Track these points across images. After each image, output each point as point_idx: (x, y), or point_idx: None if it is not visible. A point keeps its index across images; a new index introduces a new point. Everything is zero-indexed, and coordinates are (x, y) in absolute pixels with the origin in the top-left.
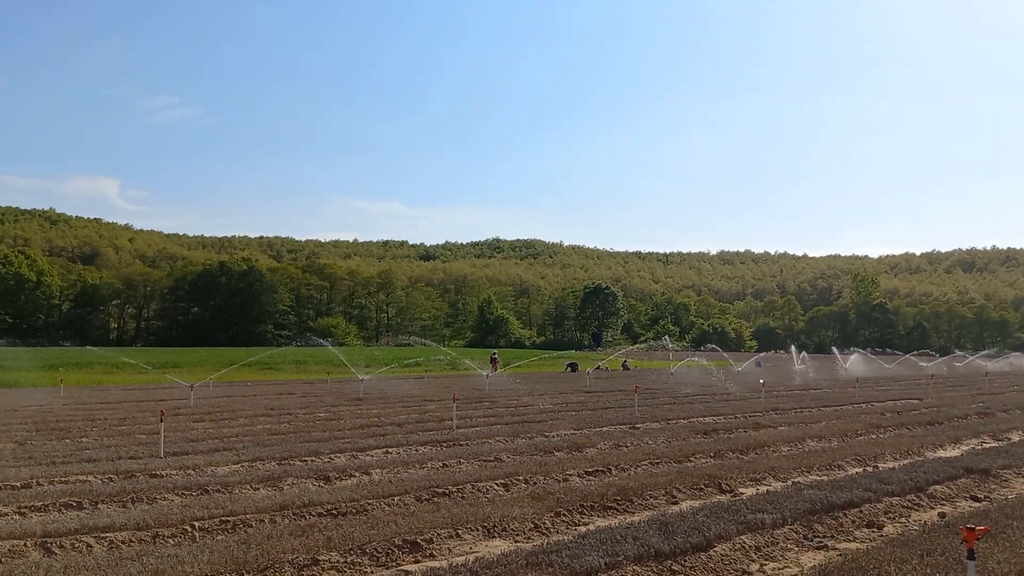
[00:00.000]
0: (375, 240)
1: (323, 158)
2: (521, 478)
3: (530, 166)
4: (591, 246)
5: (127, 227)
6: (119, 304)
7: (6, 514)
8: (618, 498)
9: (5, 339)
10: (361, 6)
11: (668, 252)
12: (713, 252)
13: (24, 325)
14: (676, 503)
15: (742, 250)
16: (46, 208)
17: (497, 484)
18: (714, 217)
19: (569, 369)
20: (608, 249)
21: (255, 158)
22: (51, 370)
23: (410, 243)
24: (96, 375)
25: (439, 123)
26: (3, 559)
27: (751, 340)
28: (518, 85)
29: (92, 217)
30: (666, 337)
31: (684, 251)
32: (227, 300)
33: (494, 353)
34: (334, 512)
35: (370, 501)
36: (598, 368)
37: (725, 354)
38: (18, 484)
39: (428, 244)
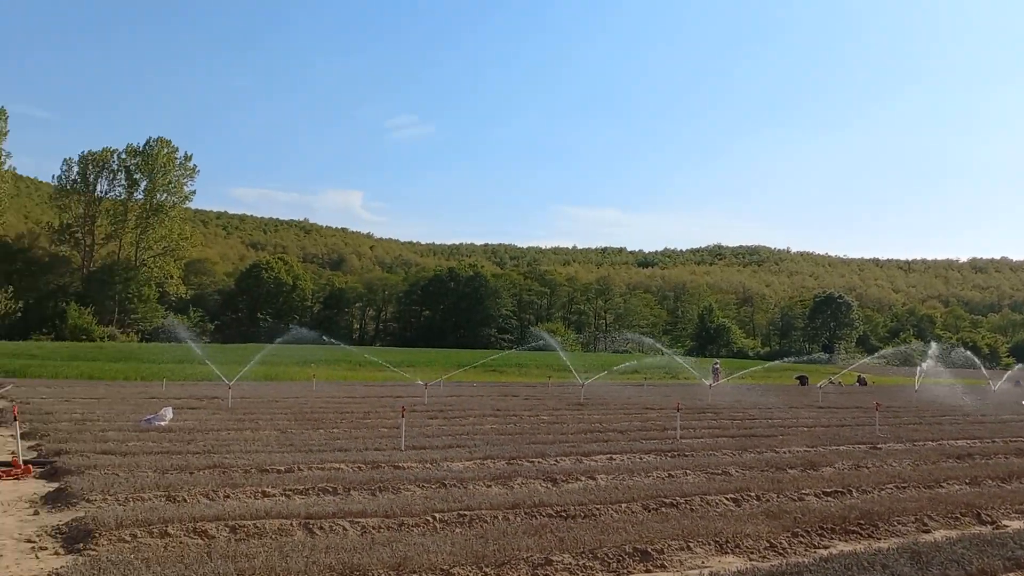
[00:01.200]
0: (593, 247)
1: (542, 166)
2: (752, 494)
3: (752, 169)
4: (821, 252)
5: (369, 236)
6: (361, 306)
7: (274, 495)
8: (861, 522)
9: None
10: (565, 10)
11: (910, 259)
12: (963, 259)
13: (282, 324)
14: (928, 531)
15: (997, 257)
16: (301, 219)
17: (727, 499)
18: (963, 221)
19: (798, 382)
20: (841, 256)
21: (480, 170)
22: (304, 366)
23: (628, 250)
24: (342, 371)
25: (652, 126)
26: (273, 535)
27: (1007, 356)
28: (739, 84)
29: (339, 227)
30: (934, 345)
31: (929, 258)
32: (455, 304)
33: (716, 363)
34: (563, 514)
35: (598, 506)
36: (830, 382)
37: (985, 371)
38: (282, 468)
39: (646, 251)
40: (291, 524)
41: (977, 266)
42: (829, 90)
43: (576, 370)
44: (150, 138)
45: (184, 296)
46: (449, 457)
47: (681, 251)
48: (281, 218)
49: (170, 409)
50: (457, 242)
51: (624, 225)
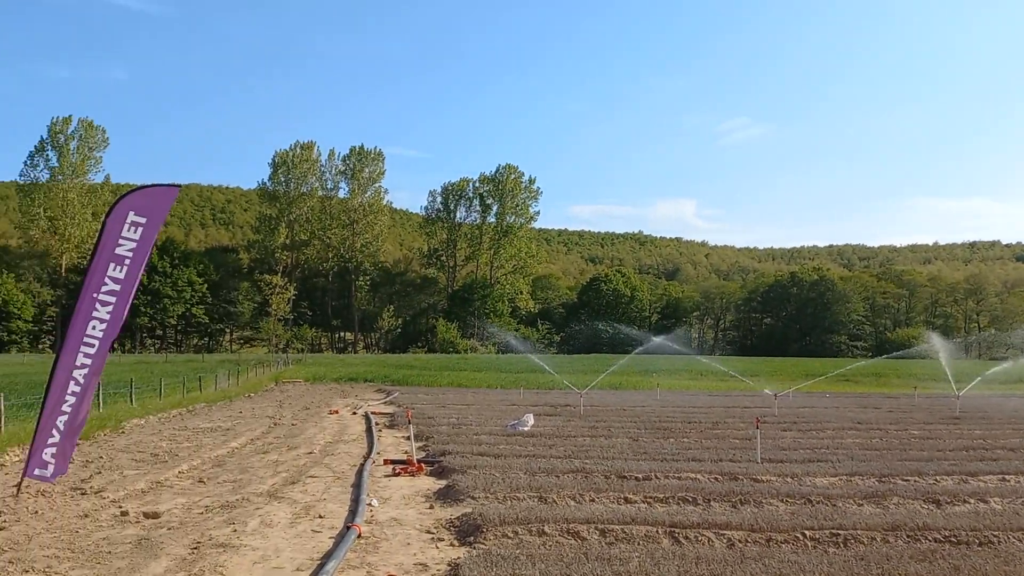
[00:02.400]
0: (959, 242)
1: (890, 158)
2: None
3: None
4: None
5: (703, 244)
6: (698, 315)
7: (635, 501)
8: None
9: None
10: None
11: None
12: None
13: (622, 335)
14: None
15: None
16: (635, 231)
17: None
18: None
19: None
20: None
21: (821, 168)
22: (645, 375)
23: (1003, 243)
24: (684, 381)
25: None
26: (640, 541)
27: None
28: None
29: (673, 237)
30: None
31: None
32: (798, 310)
33: None
34: (953, 539)
35: (995, 532)
36: None
37: None
38: (640, 476)
39: None
40: (657, 531)
41: None
42: None
43: (951, 381)
44: (499, 165)
45: (532, 310)
46: (810, 472)
47: None
48: (617, 232)
49: (531, 416)
50: (798, 245)
51: (996, 216)
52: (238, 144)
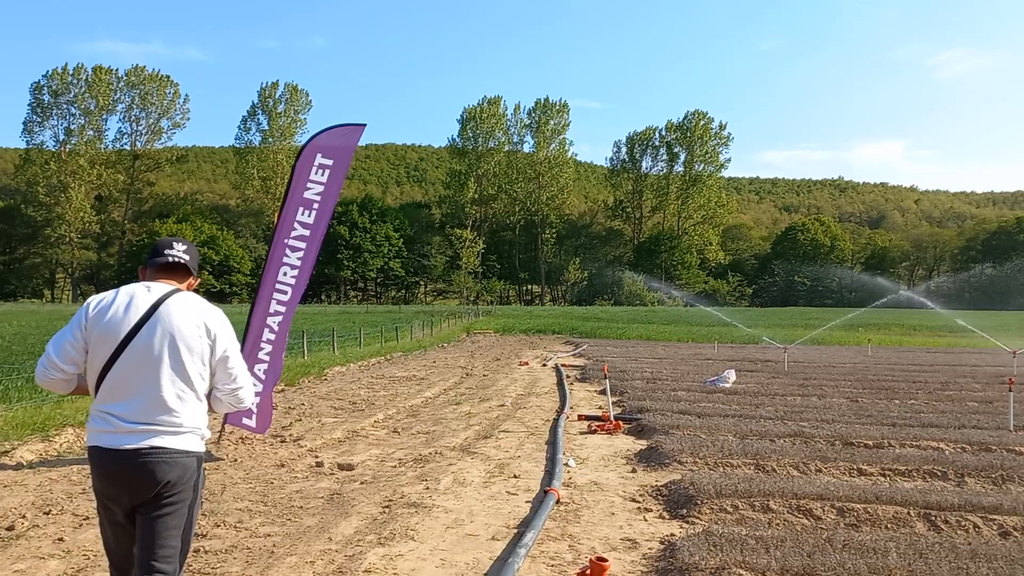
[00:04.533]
0: None
1: None
2: None
3: None
4: None
5: (912, 189)
6: (908, 266)
7: (871, 474)
8: None
9: (802, 302)
10: None
11: None
12: None
13: (820, 287)
14: None
15: None
16: (834, 177)
17: None
18: None
19: None
20: None
21: None
22: (851, 329)
23: None
24: (894, 336)
25: None
26: (889, 525)
27: None
28: None
29: (877, 182)
30: None
31: None
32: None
33: None
34: None
35: None
36: None
37: None
38: (870, 443)
39: None
40: (908, 513)
41: None
42: None
43: None
44: (687, 112)
45: (723, 262)
46: None
47: None
48: (814, 178)
49: (733, 371)
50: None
51: None
52: (430, 103)
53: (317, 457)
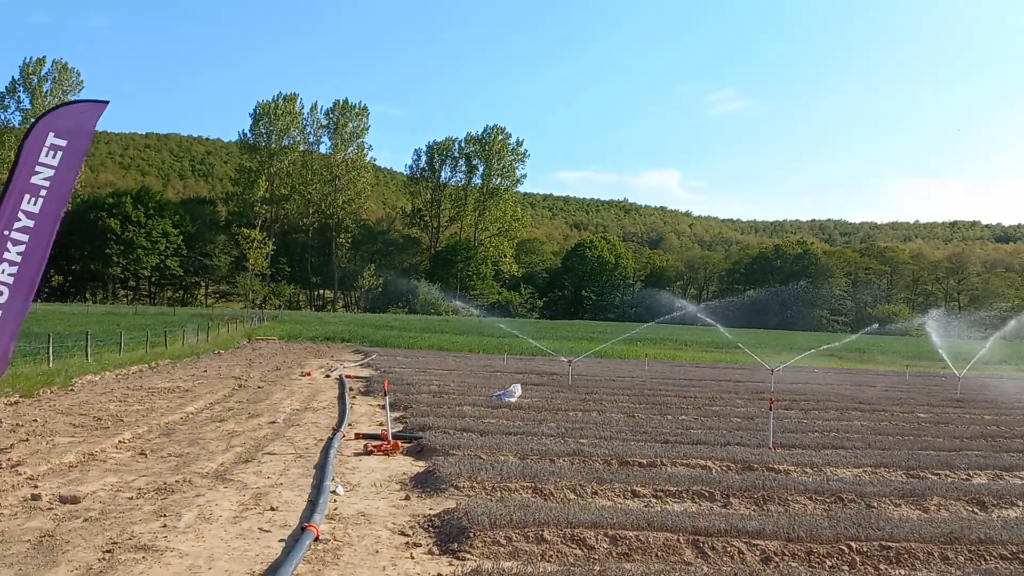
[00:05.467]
0: (940, 221)
1: (872, 136)
2: None
3: None
4: None
5: (687, 214)
6: (681, 285)
7: (645, 496)
8: None
9: (589, 314)
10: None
11: None
12: None
13: (603, 302)
14: None
15: None
16: (620, 199)
17: None
18: None
19: None
20: None
21: (805, 144)
22: (631, 344)
23: (983, 223)
24: (668, 351)
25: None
26: (660, 553)
27: None
28: None
29: (657, 206)
30: None
31: None
32: (781, 283)
33: None
34: (1022, 556)
35: None
36: None
37: None
38: (644, 462)
39: (1006, 224)
40: (677, 540)
41: None
42: None
43: (951, 359)
44: (487, 126)
45: (516, 274)
46: (830, 461)
47: None
48: (602, 198)
49: (519, 386)
50: (780, 219)
51: (976, 195)
52: (220, 95)
53: (36, 487)
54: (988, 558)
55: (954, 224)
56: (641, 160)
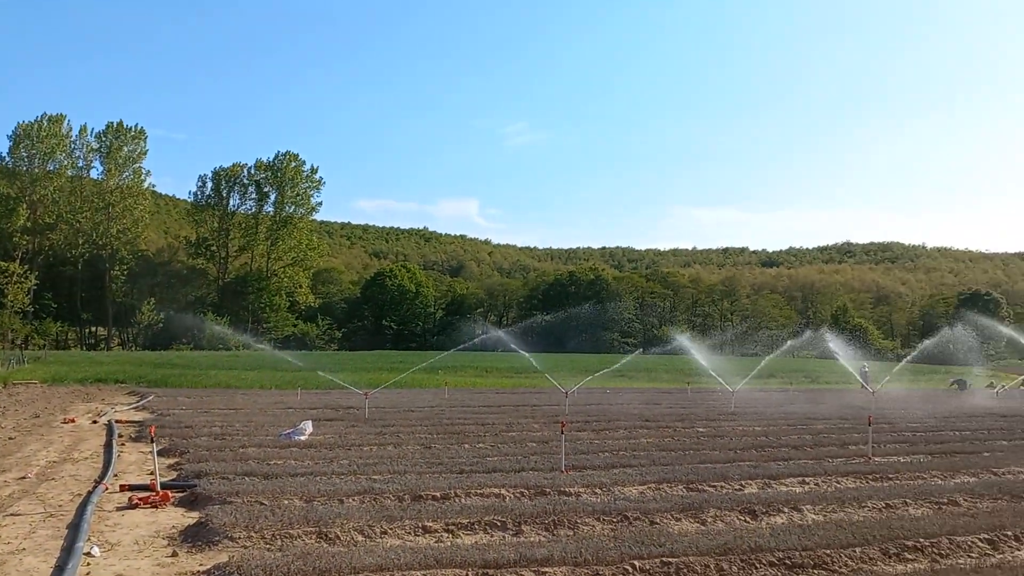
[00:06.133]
0: (714, 248)
1: (654, 169)
2: (1010, 533)
3: (882, 161)
4: (961, 247)
5: (486, 242)
6: (482, 312)
7: (436, 531)
8: None
9: (391, 344)
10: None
11: None
12: None
13: (405, 331)
14: None
15: None
16: (421, 227)
17: (980, 540)
18: None
19: (955, 386)
20: (983, 251)
21: (594, 174)
22: (431, 372)
23: (751, 249)
24: (469, 378)
25: (777, 126)
26: None
27: None
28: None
29: (457, 234)
30: None
31: None
32: (575, 308)
33: (864, 366)
34: (788, 562)
35: (825, 551)
36: (991, 386)
37: None
38: (438, 495)
39: (771, 250)
40: (467, 575)
41: None
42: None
43: (718, 375)
44: (279, 152)
45: (313, 304)
46: (618, 480)
47: (808, 249)
48: (402, 227)
49: (310, 423)
50: (574, 246)
51: (745, 224)
52: None
53: None
54: (759, 565)
55: (726, 250)
56: (441, 189)
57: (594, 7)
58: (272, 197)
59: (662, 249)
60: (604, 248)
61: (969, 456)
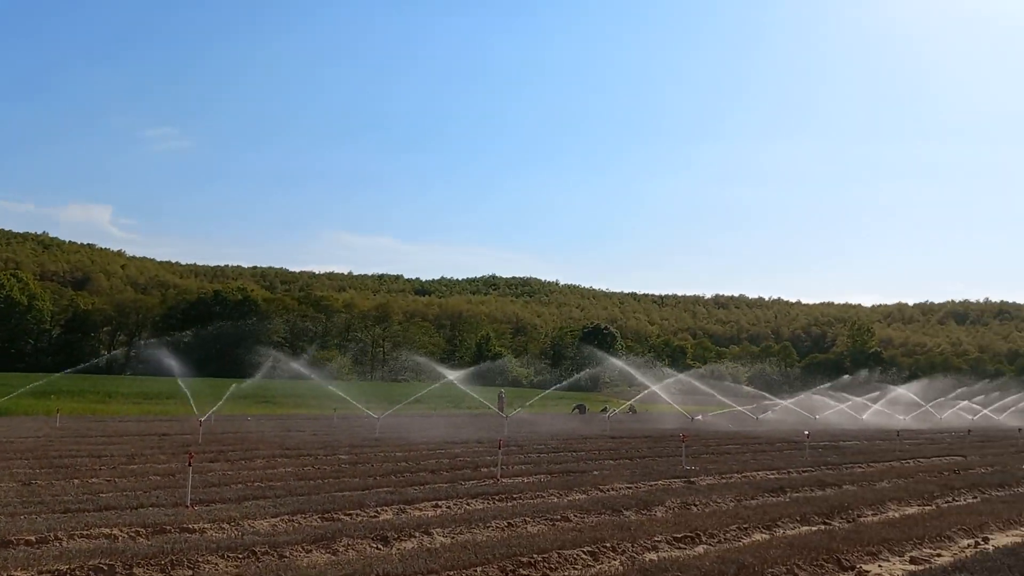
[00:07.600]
0: (370, 273)
1: (315, 193)
2: (608, 545)
3: (524, 205)
4: (587, 286)
5: (120, 253)
6: (110, 331)
7: None
8: None
9: None
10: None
11: (663, 294)
12: (708, 296)
13: (12, 350)
14: None
15: (736, 295)
16: (39, 232)
17: (584, 552)
18: (706, 261)
19: (577, 411)
20: (604, 289)
21: (248, 191)
22: (43, 397)
23: (405, 277)
24: (90, 404)
25: (432, 161)
26: None
27: (747, 386)
28: (513, 126)
29: (85, 243)
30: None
31: (679, 293)
32: (222, 329)
33: (501, 391)
34: None
35: (449, 573)
36: (604, 411)
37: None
38: (34, 539)
39: (424, 279)
40: None
41: (719, 302)
42: (583, 136)
43: (358, 401)
44: None
45: None
46: (249, 514)
47: (458, 280)
48: (16, 231)
49: None
50: (222, 264)
51: (401, 253)
52: None
53: None
54: None
55: (382, 277)
56: (66, 192)
57: (258, 17)
58: None
59: (317, 272)
60: (256, 267)
61: (581, 475)
